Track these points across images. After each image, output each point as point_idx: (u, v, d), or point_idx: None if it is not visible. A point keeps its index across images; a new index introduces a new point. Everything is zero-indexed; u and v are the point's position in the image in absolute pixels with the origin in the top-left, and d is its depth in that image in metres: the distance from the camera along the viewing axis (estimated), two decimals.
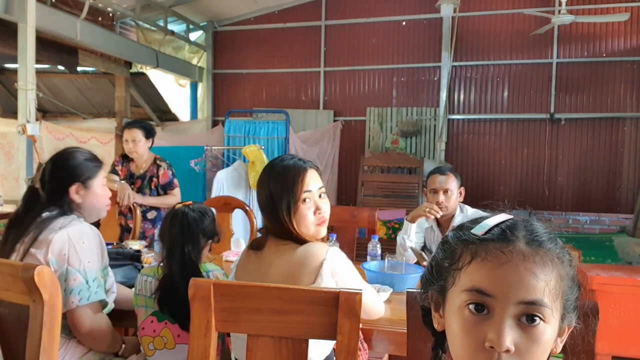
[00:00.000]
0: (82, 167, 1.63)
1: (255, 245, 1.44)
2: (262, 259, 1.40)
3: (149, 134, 3.05)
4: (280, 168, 1.39)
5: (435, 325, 0.74)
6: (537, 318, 0.62)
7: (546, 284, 0.63)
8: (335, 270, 1.32)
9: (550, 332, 0.64)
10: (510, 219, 0.69)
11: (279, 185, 1.36)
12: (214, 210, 1.84)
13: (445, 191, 2.38)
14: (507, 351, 0.61)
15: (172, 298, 1.53)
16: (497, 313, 0.62)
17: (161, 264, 1.61)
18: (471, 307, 0.64)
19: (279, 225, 1.37)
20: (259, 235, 1.47)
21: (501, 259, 0.63)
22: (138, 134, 3.00)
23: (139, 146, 3.01)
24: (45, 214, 1.55)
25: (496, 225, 0.68)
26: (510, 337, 0.61)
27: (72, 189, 1.60)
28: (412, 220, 2.41)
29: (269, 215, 1.38)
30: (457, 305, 0.66)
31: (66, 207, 1.59)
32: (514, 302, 0.62)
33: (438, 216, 2.35)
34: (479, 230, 0.68)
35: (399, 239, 2.47)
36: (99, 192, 1.67)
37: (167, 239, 1.61)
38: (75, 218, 1.59)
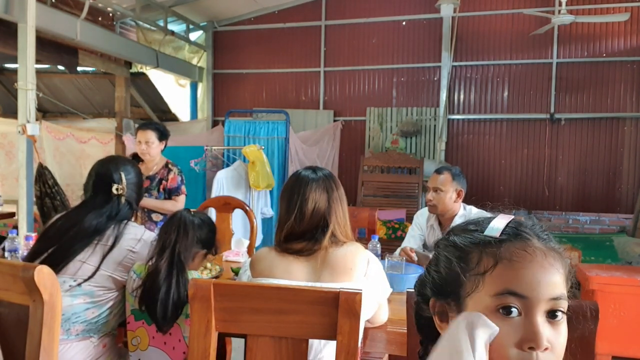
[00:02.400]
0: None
1: (303, 251, 1.46)
2: (312, 256, 1.46)
3: (163, 135, 3.00)
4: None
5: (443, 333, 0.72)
6: (559, 313, 0.63)
7: (563, 278, 0.65)
8: (376, 271, 1.49)
9: (565, 323, 0.65)
10: (513, 219, 0.70)
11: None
12: (214, 212, 1.86)
13: (436, 189, 2.42)
14: (545, 349, 0.62)
15: (153, 297, 1.51)
16: (530, 313, 0.62)
17: (149, 262, 1.59)
18: (501, 310, 0.63)
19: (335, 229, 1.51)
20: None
21: (527, 259, 0.64)
22: (152, 135, 2.94)
23: (152, 148, 2.96)
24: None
25: (506, 226, 0.68)
26: (545, 334, 0.62)
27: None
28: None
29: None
30: (484, 310, 0.64)
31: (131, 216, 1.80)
32: (544, 299, 0.63)
33: (413, 259, 2.28)
34: (492, 232, 0.67)
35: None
36: None
37: (161, 238, 1.61)
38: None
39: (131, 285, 1.59)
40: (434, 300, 0.72)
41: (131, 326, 1.60)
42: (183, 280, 1.54)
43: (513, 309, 0.62)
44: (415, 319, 0.79)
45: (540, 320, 0.62)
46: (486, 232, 0.68)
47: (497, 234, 0.67)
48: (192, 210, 1.72)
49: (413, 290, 0.79)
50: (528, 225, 0.69)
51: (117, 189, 1.71)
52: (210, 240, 1.71)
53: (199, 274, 1.76)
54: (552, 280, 0.63)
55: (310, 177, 1.51)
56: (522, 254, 0.64)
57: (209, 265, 2.08)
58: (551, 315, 0.63)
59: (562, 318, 0.64)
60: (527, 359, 0.61)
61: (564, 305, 0.64)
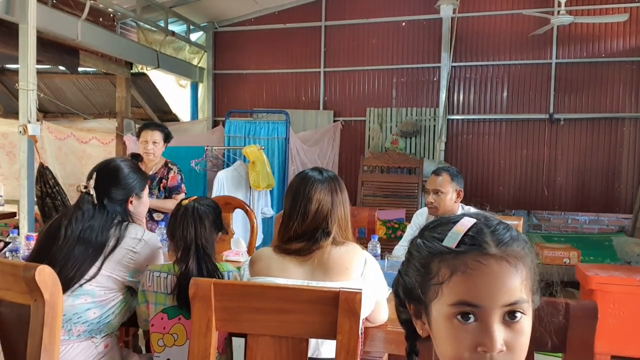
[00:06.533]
0: (138, 180, 1.80)
1: (300, 251, 1.47)
2: (307, 258, 1.46)
3: (168, 137, 3.08)
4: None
5: (420, 332, 0.76)
6: (518, 314, 0.66)
7: (521, 281, 0.67)
8: (372, 271, 1.50)
9: (529, 321, 0.68)
10: (474, 224, 0.70)
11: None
12: None
13: (436, 191, 2.40)
14: (500, 351, 0.65)
15: None
16: (485, 319, 0.65)
17: (175, 262, 1.61)
18: (459, 317, 0.66)
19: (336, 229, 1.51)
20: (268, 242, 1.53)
21: (481, 269, 0.66)
22: (159, 135, 3.00)
23: (158, 148, 3.02)
24: (115, 221, 1.69)
25: (465, 234, 0.69)
26: (500, 338, 0.65)
27: (129, 200, 1.77)
28: None
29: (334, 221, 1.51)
30: (444, 317, 0.68)
31: (124, 215, 1.74)
32: (498, 307, 0.65)
33: None
34: (450, 242, 0.69)
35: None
36: (146, 201, 1.87)
37: (180, 235, 1.61)
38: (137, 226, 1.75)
39: (162, 284, 1.59)
40: (407, 302, 0.76)
41: (159, 327, 1.59)
42: (213, 271, 1.59)
43: (470, 316, 0.66)
44: (397, 316, 0.82)
45: (496, 324, 0.65)
46: (444, 243, 0.69)
47: (453, 245, 0.68)
48: (192, 198, 1.71)
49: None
50: (490, 228, 0.69)
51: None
52: (221, 220, 1.73)
53: (232, 266, 1.75)
54: (508, 287, 0.65)
55: (316, 178, 1.51)
56: (476, 264, 0.66)
57: None
58: (510, 316, 0.66)
59: (521, 318, 0.66)
60: (481, 359, 0.65)
61: (521, 308, 0.66)
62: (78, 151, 5.66)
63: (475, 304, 0.65)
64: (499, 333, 0.65)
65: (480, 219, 0.71)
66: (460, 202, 2.50)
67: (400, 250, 2.55)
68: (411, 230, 2.66)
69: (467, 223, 0.70)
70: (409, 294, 0.75)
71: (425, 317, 0.73)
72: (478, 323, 0.66)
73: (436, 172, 2.47)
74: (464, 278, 0.66)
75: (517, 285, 0.66)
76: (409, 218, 4.02)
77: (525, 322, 0.67)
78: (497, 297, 0.65)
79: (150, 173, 3.06)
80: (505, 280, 0.65)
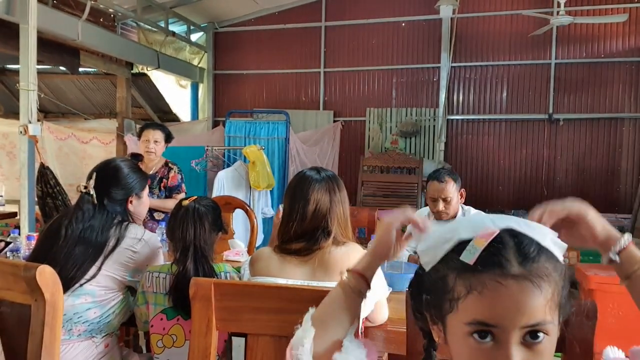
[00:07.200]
0: (138, 180, 1.80)
1: (301, 251, 1.47)
2: (308, 258, 1.46)
3: (169, 137, 3.12)
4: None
5: (436, 338, 0.73)
6: (540, 334, 0.62)
7: (546, 302, 0.62)
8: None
9: (552, 341, 0.64)
10: (497, 237, 0.64)
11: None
12: None
13: (445, 199, 2.34)
14: None
15: (187, 295, 1.53)
16: (502, 340, 0.61)
17: (173, 262, 1.60)
18: (475, 335, 0.63)
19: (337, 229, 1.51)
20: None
21: (499, 290, 0.61)
22: (160, 135, 3.04)
23: (159, 147, 3.04)
24: (116, 221, 1.69)
25: (485, 248, 0.63)
26: (518, 359, 0.61)
27: (129, 200, 1.78)
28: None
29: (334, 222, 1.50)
30: (460, 333, 0.65)
31: (124, 215, 1.74)
32: (517, 328, 0.61)
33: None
34: (468, 257, 0.64)
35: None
36: (146, 201, 1.87)
37: (179, 236, 1.60)
38: (137, 225, 1.76)
39: (161, 284, 1.58)
40: (424, 309, 0.73)
41: (159, 327, 1.58)
42: (210, 273, 1.58)
43: (487, 335, 0.62)
44: (412, 312, 0.80)
45: (514, 346, 0.61)
46: (462, 257, 0.64)
47: (471, 262, 0.63)
48: (192, 198, 1.70)
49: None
50: (515, 239, 0.64)
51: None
52: (221, 220, 1.72)
53: (231, 267, 1.74)
54: (529, 309, 0.60)
55: (314, 177, 1.51)
56: (494, 284, 0.61)
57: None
58: (532, 336, 0.61)
59: (543, 339, 0.62)
60: None
61: (545, 328, 0.61)
62: (79, 151, 5.66)
63: (492, 324, 0.61)
64: (517, 355, 0.61)
65: (504, 228, 0.65)
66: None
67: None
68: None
69: (488, 235, 0.64)
70: (426, 302, 0.72)
71: (441, 326, 0.69)
72: (495, 343, 0.62)
73: (439, 179, 2.36)
74: (480, 298, 0.61)
75: (540, 306, 0.61)
76: None
77: (547, 343, 0.62)
78: (516, 319, 0.60)
79: (151, 173, 3.06)
80: (526, 302, 0.60)
